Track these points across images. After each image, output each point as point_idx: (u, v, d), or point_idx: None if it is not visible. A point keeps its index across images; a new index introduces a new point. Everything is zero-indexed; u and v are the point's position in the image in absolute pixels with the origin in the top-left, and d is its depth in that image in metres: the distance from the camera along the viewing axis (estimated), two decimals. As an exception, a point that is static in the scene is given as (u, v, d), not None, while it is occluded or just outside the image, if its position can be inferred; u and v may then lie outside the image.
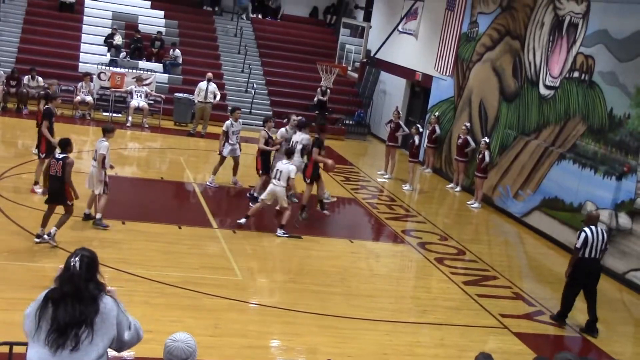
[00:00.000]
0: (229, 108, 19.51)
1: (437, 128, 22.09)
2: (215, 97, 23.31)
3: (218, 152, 17.36)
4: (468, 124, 20.60)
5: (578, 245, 11.79)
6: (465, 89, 21.74)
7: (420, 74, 24.58)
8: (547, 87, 18.05)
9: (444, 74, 22.83)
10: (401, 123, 21.49)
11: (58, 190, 12.23)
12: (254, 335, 10.18)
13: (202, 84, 23.11)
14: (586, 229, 11.83)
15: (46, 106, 15.58)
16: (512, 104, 19.34)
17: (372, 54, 24.68)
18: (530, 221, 17.94)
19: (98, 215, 13.37)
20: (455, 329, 11.37)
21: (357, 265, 13.83)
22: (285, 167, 14.61)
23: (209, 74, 23.44)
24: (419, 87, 25.36)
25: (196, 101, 23.19)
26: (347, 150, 24.35)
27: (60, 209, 12.43)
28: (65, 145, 12.42)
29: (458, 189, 20.62)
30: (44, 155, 14.82)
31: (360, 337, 10.60)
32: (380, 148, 24.38)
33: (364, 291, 12.42)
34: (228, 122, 17.26)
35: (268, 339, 10.32)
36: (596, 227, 11.86)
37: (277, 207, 15.14)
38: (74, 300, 5.20)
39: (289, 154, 15.03)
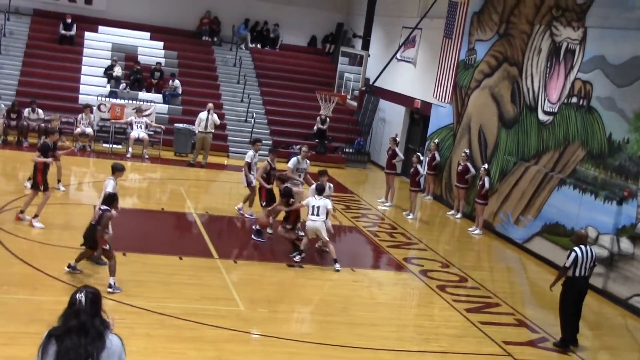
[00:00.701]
0: (251, 140, 19.64)
1: (436, 155, 22.13)
2: (215, 127, 23.41)
3: (246, 185, 17.36)
4: (467, 151, 20.64)
5: (567, 264, 11.95)
6: (464, 115, 21.80)
7: (419, 102, 24.67)
8: (546, 113, 18.11)
9: (442, 101, 22.90)
10: (397, 150, 21.51)
11: (91, 236, 12.15)
12: (257, 366, 10.13)
13: (203, 114, 23.18)
14: (576, 248, 11.95)
15: (43, 140, 15.59)
16: (511, 130, 19.39)
17: (371, 82, 24.78)
18: (531, 247, 17.90)
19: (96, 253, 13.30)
20: (458, 357, 11.30)
21: (359, 293, 13.78)
22: (322, 202, 14.71)
23: (210, 104, 23.52)
24: (418, 115, 25.44)
25: (197, 131, 23.27)
26: (347, 178, 24.37)
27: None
28: (112, 200, 12.31)
29: (459, 215, 20.61)
30: (42, 187, 14.82)
31: (363, 366, 10.54)
32: (381, 176, 24.34)
33: (366, 320, 12.36)
34: (251, 153, 17.40)
35: (270, 369, 10.27)
36: (585, 246, 12.04)
37: (317, 244, 15.45)
38: (79, 335, 5.19)
39: (320, 190, 15.08)
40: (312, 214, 14.65)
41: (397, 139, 22.55)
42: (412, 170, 20.13)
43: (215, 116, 23.33)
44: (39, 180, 14.93)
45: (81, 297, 5.32)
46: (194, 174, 22.07)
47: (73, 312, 5.27)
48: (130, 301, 11.59)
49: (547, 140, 18.00)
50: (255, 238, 15.77)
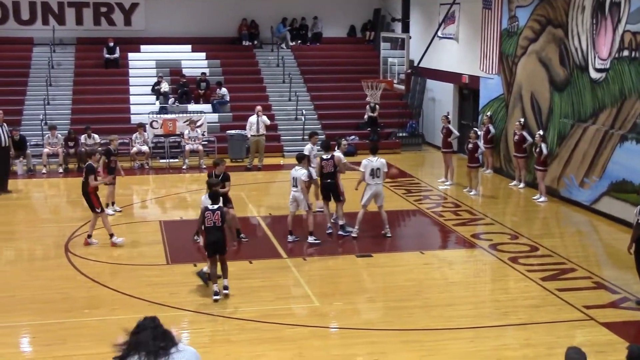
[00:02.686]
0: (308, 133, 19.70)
1: (490, 128, 21.88)
2: (266, 128, 23.56)
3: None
4: (522, 120, 20.35)
5: None
6: (514, 84, 21.51)
7: (466, 77, 24.43)
8: (598, 71, 17.74)
9: (490, 72, 22.63)
10: (451, 127, 21.33)
11: (219, 239, 12.13)
12: (339, 359, 10.16)
13: (253, 118, 23.34)
14: None
15: (88, 163, 15.80)
16: (564, 92, 19.05)
17: (415, 64, 24.60)
18: (600, 207, 17.59)
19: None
20: (540, 327, 11.17)
21: (431, 276, 13.73)
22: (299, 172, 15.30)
23: (258, 107, 23.66)
24: (467, 90, 25.19)
25: (249, 135, 23.45)
26: (404, 162, 24.27)
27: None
28: (216, 197, 12.34)
29: (522, 185, 20.35)
30: (99, 209, 15.18)
31: (445, 347, 10.50)
32: (437, 156, 24.23)
33: (442, 301, 12.31)
34: (309, 147, 17.58)
35: (353, 361, 10.30)
36: None
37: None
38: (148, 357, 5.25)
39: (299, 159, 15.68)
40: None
41: (449, 117, 22.38)
42: (469, 146, 19.91)
43: (264, 118, 23.48)
44: (95, 204, 15.15)
45: (142, 325, 5.35)
46: (252, 178, 22.23)
47: (134, 342, 5.31)
48: (207, 310, 11.75)
49: (602, 98, 17.64)
50: (342, 233, 15.93)
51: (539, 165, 18.81)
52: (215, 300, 11.99)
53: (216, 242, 12.04)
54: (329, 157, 15.80)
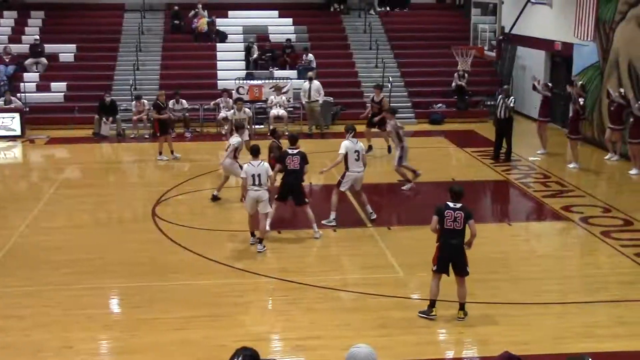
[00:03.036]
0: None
1: (580, 100, 20.92)
2: (320, 94, 23.33)
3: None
4: (622, 90, 19.43)
5: None
6: (610, 51, 20.66)
7: (559, 43, 23.60)
8: (702, 37, 16.86)
9: (585, 39, 21.78)
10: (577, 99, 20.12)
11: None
12: (424, 331, 10.03)
13: (305, 84, 23.20)
14: None
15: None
16: (664, 60, 18.21)
17: (507, 31, 23.92)
18: (700, 182, 16.83)
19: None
20: (634, 305, 10.77)
21: (519, 248, 13.41)
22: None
23: (310, 73, 23.53)
24: (559, 57, 24.37)
25: (303, 102, 23.31)
26: (492, 130, 23.67)
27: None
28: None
29: (615, 157, 19.59)
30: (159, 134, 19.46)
31: (533, 322, 10.23)
32: (526, 125, 23.63)
33: (529, 274, 12.01)
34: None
35: (438, 333, 10.14)
36: None
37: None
38: None
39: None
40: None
41: (548, 84, 21.54)
42: (571, 115, 19.15)
43: (317, 83, 23.21)
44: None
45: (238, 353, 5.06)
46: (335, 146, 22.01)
47: None
48: (291, 277, 11.76)
49: None
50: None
51: (633, 138, 18.05)
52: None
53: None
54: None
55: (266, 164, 13.02)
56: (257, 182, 12.83)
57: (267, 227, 13.26)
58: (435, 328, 10.15)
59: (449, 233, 10.04)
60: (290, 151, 13.71)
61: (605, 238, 13.64)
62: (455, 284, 10.28)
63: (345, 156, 14.14)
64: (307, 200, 13.75)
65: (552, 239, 14.31)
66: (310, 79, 23.22)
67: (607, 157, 19.90)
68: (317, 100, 23.29)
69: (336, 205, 14.39)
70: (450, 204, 10.09)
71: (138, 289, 11.42)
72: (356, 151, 14.18)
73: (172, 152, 19.85)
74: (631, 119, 18.14)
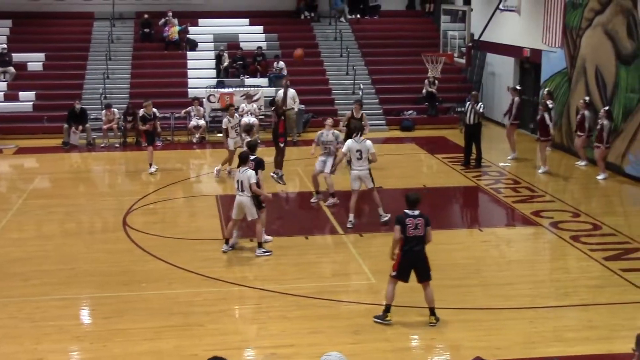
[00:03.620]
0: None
1: (549, 103, 21.12)
2: (295, 102, 23.29)
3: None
4: (587, 98, 19.68)
5: None
6: (577, 58, 20.91)
7: (528, 50, 23.84)
8: (667, 43, 17.12)
9: (553, 46, 22.03)
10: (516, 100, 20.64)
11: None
12: (396, 337, 10.05)
13: (281, 92, 23.15)
14: None
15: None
16: (631, 65, 18.43)
17: (476, 37, 24.11)
18: (666, 186, 17.06)
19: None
20: (602, 309, 10.87)
21: (489, 254, 13.50)
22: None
23: (286, 81, 23.53)
24: (528, 64, 24.61)
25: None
26: (462, 137, 23.83)
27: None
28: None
29: (584, 163, 19.79)
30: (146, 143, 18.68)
31: (504, 327, 10.30)
32: (495, 131, 23.83)
33: (500, 280, 12.09)
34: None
35: (410, 340, 10.17)
36: None
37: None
38: None
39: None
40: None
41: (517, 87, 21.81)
42: (538, 117, 19.34)
43: (293, 91, 23.10)
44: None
45: None
46: (307, 152, 22.04)
47: None
48: (264, 285, 11.74)
49: (671, 72, 17.03)
50: None
51: (599, 142, 18.26)
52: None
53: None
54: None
55: (249, 172, 13.01)
56: (239, 188, 13.00)
57: (263, 234, 13.44)
58: (407, 334, 10.19)
59: (412, 240, 10.12)
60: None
61: (574, 242, 13.77)
62: (422, 291, 10.33)
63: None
64: (264, 205, 13.64)
65: (523, 244, 14.42)
66: (287, 87, 23.20)
67: (577, 163, 20.05)
68: (293, 108, 23.28)
69: (354, 207, 14.60)
70: (409, 212, 10.19)
71: (109, 299, 11.33)
72: (358, 150, 14.49)
73: (150, 164, 19.31)
74: (598, 126, 18.35)
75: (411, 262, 10.19)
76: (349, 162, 15.23)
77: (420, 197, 10.47)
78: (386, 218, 14.56)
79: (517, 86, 22.36)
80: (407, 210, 10.22)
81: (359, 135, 14.73)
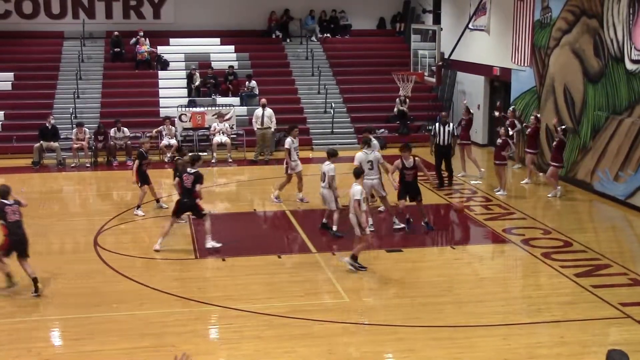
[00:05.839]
0: (288, 126, 19.17)
1: (516, 122, 21.31)
2: (272, 121, 23.41)
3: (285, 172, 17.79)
4: (538, 115, 20.20)
5: None
6: (546, 76, 21.16)
7: (497, 69, 24.09)
8: (634, 62, 17.37)
9: (522, 64, 22.30)
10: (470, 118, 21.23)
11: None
12: (370, 356, 10.02)
13: (258, 111, 23.39)
14: None
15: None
16: (598, 84, 18.70)
17: (446, 56, 24.33)
18: (635, 202, 17.26)
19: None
20: (574, 325, 10.95)
21: (462, 271, 13.54)
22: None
23: (263, 100, 23.69)
24: (498, 82, 24.86)
25: (255, 128, 23.36)
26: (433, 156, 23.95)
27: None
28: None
29: (525, 180, 20.11)
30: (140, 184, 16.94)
31: (477, 345, 10.32)
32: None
33: (473, 297, 12.12)
34: (289, 140, 17.56)
35: (384, 358, 10.15)
36: None
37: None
38: None
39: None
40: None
41: (471, 109, 22.10)
42: (498, 141, 19.53)
43: (270, 111, 23.36)
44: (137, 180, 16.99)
45: None
46: (280, 171, 22.03)
47: None
48: (236, 305, 11.66)
49: (638, 90, 17.27)
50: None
51: (554, 162, 18.52)
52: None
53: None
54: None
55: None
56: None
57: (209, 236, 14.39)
58: (382, 353, 10.17)
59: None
60: (188, 170, 14.58)
61: (546, 259, 13.87)
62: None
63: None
64: (204, 212, 14.54)
65: (495, 261, 14.50)
66: (264, 106, 23.30)
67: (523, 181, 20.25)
68: (270, 128, 23.32)
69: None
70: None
71: (79, 320, 11.19)
72: (369, 161, 15.36)
73: (157, 200, 17.93)
74: (554, 142, 18.58)
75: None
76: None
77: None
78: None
79: (477, 106, 22.73)
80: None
81: (366, 147, 15.60)
